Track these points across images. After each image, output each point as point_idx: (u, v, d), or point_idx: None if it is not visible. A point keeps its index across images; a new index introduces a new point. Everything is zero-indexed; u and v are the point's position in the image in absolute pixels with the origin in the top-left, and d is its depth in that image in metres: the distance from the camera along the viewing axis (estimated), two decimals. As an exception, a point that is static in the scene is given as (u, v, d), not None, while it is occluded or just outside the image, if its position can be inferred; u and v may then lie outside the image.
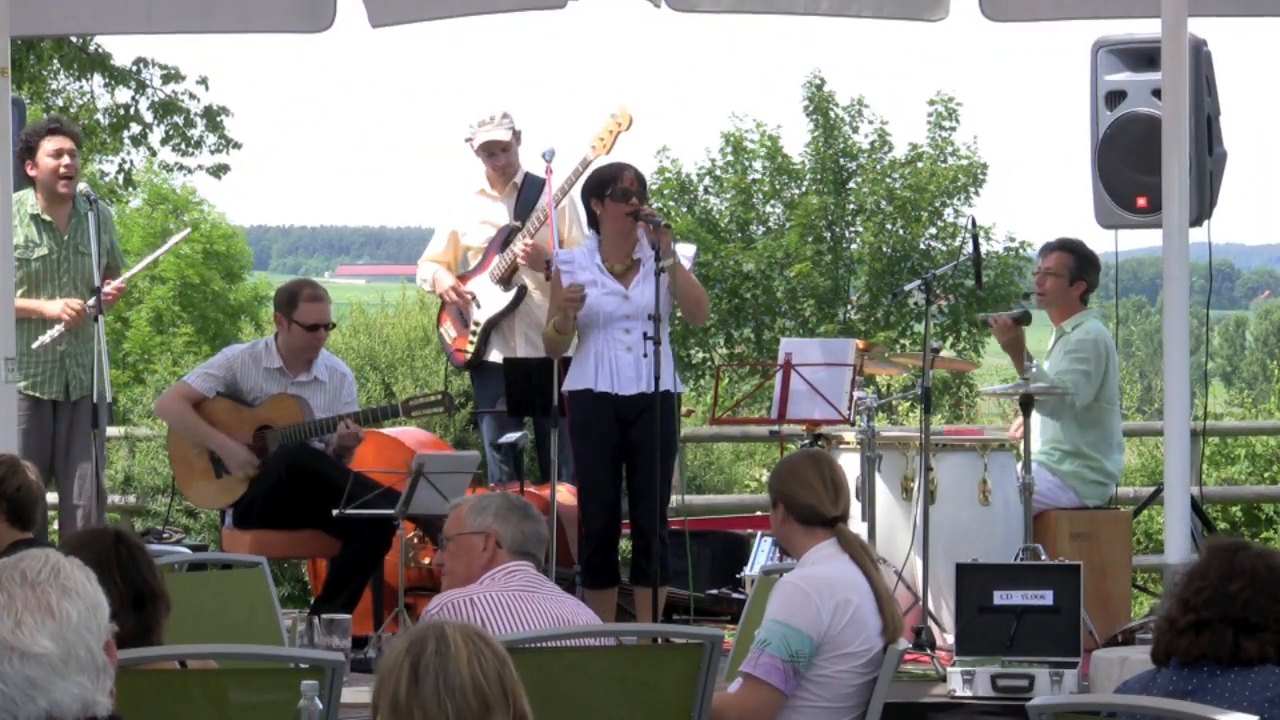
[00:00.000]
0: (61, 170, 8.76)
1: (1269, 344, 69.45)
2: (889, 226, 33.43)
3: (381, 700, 3.22)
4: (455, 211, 9.70)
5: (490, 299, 9.45)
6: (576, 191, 9.11)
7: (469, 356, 9.53)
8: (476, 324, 9.50)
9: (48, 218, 8.83)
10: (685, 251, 8.35)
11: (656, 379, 8.07)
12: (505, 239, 9.47)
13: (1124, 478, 10.43)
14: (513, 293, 9.39)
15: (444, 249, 9.69)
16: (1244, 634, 4.19)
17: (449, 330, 9.67)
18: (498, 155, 9.51)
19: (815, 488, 5.52)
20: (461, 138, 9.65)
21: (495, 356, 9.41)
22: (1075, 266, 8.81)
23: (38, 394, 8.74)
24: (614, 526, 8.36)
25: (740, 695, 5.33)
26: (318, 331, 8.62)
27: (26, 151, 8.79)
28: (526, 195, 9.50)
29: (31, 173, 8.83)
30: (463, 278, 9.57)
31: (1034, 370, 8.38)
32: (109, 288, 8.67)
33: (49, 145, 8.78)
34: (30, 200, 8.80)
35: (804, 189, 34.32)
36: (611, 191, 8.24)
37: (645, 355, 8.06)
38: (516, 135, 9.55)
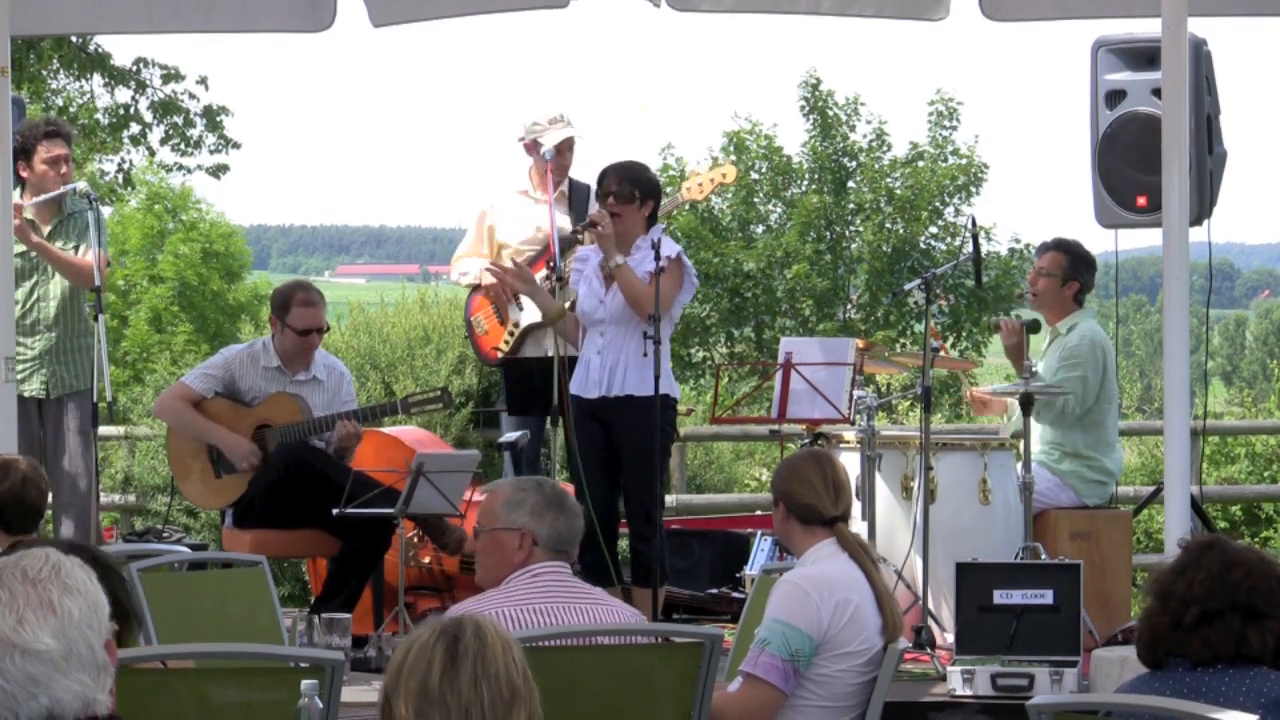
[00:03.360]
0: (58, 179, 8.76)
1: (1269, 343, 69.48)
2: (889, 226, 33.44)
3: (407, 685, 3.16)
4: (495, 208, 9.58)
5: (534, 305, 9.36)
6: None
7: (501, 356, 9.46)
8: (516, 325, 9.45)
9: (30, 215, 8.82)
10: (667, 250, 8.35)
11: (656, 379, 8.09)
12: (561, 248, 9.42)
13: (1124, 477, 10.44)
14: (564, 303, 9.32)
15: (485, 246, 9.59)
16: (1249, 623, 4.19)
17: (481, 321, 9.59)
18: (565, 154, 9.47)
19: (815, 487, 5.53)
20: (515, 137, 9.56)
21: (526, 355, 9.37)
22: (1069, 266, 8.83)
23: (19, 391, 8.74)
24: (605, 525, 8.37)
25: (740, 694, 5.34)
26: (309, 336, 8.62)
27: (21, 153, 8.77)
28: (578, 203, 9.45)
29: (24, 174, 8.83)
30: None
31: (1034, 371, 8.38)
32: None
33: (45, 151, 8.78)
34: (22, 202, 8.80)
35: (803, 188, 34.33)
36: (598, 195, 8.36)
37: (646, 355, 8.08)
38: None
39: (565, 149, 9.46)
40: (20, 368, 8.74)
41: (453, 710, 3.14)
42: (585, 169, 9.50)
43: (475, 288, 9.60)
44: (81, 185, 8.77)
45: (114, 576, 4.50)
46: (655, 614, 8.14)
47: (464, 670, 3.16)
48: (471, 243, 9.61)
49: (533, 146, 9.48)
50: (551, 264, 8.99)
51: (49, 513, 8.97)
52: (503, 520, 5.24)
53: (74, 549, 4.56)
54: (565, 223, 9.33)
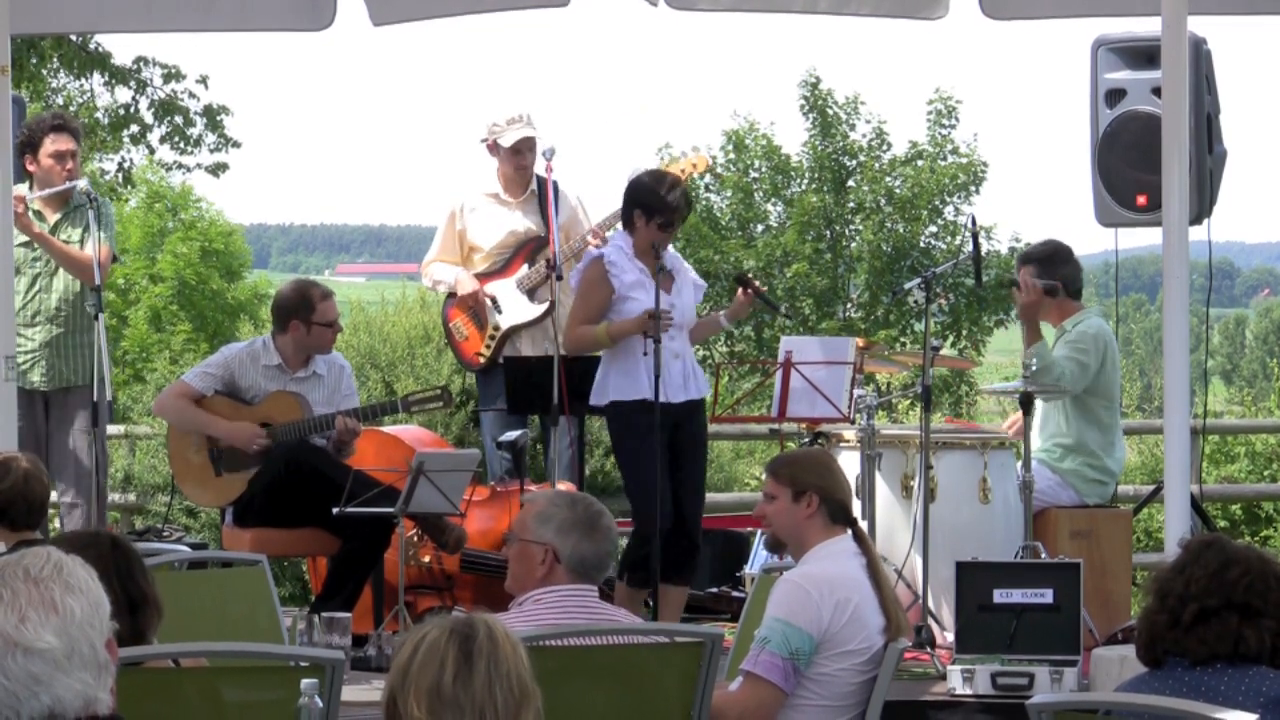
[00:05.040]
0: (64, 175, 8.77)
1: (1269, 342, 69.50)
2: (888, 225, 33.46)
3: (418, 685, 3.15)
4: (464, 211, 9.61)
5: (514, 307, 9.40)
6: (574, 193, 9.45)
7: (485, 361, 9.50)
8: (496, 329, 9.47)
9: (36, 207, 8.86)
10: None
11: (657, 379, 8.09)
12: (533, 249, 9.43)
13: (1124, 476, 10.43)
14: (542, 306, 9.31)
15: (455, 249, 9.62)
16: (1246, 621, 4.19)
17: (460, 327, 9.62)
18: (525, 154, 9.46)
19: (845, 484, 5.62)
20: (478, 139, 9.59)
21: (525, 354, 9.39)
22: (1040, 274, 8.81)
23: (20, 384, 8.74)
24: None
25: (740, 693, 5.34)
26: (337, 324, 8.69)
27: (28, 147, 8.80)
28: (544, 202, 9.47)
29: (31, 168, 8.85)
30: (481, 279, 9.53)
31: (1033, 369, 8.37)
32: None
33: (51, 146, 8.79)
34: (28, 194, 8.82)
35: (803, 187, 34.35)
36: (662, 223, 8.20)
37: (646, 355, 8.08)
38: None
39: (525, 149, 9.46)
40: (21, 359, 8.76)
41: (467, 711, 3.14)
42: (581, 169, 9.55)
43: (450, 295, 9.61)
44: (82, 184, 8.76)
45: (137, 564, 4.50)
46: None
47: (478, 670, 3.15)
48: (442, 247, 9.62)
49: (494, 147, 9.51)
50: (550, 263, 9.01)
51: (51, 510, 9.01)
52: (532, 532, 5.23)
53: (96, 536, 4.58)
54: (535, 225, 9.39)
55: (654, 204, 8.21)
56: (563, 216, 9.36)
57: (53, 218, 8.91)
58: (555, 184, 9.27)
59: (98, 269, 8.53)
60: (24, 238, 8.74)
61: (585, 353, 8.42)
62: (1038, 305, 8.64)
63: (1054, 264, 8.82)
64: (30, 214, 8.82)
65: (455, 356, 10.09)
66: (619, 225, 8.53)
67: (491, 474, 9.52)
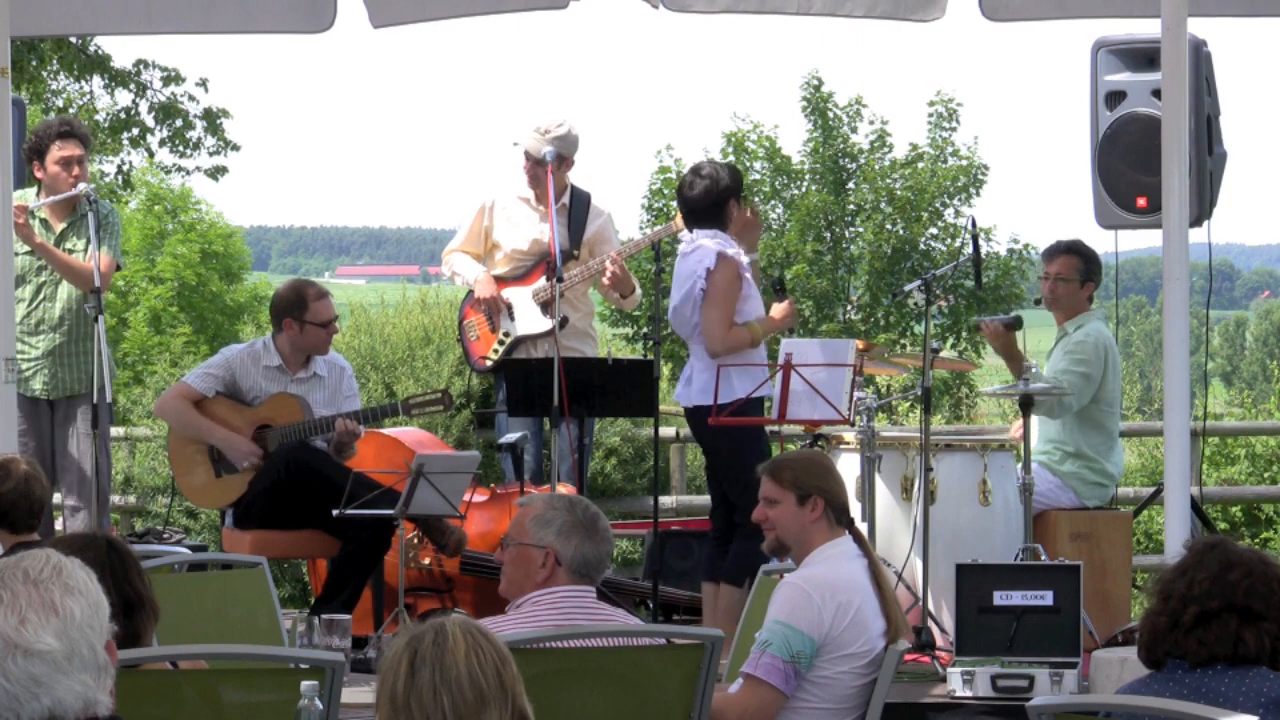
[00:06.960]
0: (71, 181, 8.75)
1: (1269, 344, 69.48)
2: (889, 227, 33.44)
3: (381, 695, 3.23)
4: (495, 208, 9.57)
5: (527, 316, 9.40)
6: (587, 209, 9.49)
7: (490, 365, 9.50)
8: (506, 335, 9.46)
9: (43, 215, 8.85)
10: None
11: (656, 381, 8.11)
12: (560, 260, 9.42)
13: (1124, 478, 10.43)
14: (554, 322, 9.30)
15: (479, 242, 9.61)
16: (1246, 624, 4.20)
17: (474, 327, 9.61)
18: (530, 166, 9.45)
19: (844, 485, 5.64)
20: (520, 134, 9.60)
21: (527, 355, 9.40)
22: (1084, 269, 8.83)
23: (23, 391, 8.74)
24: None
25: (741, 696, 5.34)
26: (332, 325, 8.65)
27: (35, 153, 8.80)
28: (576, 215, 9.45)
29: (39, 175, 8.85)
30: (500, 283, 9.51)
31: (1033, 371, 8.38)
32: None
33: (58, 152, 8.78)
34: (32, 199, 8.80)
35: (803, 189, 34.33)
36: (745, 194, 8.41)
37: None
38: (565, 161, 9.37)
39: (530, 160, 9.43)
40: (25, 367, 8.75)
41: (417, 718, 3.18)
42: (582, 172, 9.52)
43: (470, 291, 9.61)
44: (82, 187, 8.75)
45: (133, 566, 4.50)
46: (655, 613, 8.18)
47: (422, 679, 3.19)
48: (465, 238, 9.63)
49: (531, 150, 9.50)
50: (552, 267, 9.01)
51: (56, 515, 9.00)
52: (531, 536, 5.22)
53: (93, 538, 4.57)
54: (560, 237, 9.36)
55: (739, 184, 8.38)
56: (590, 230, 9.40)
57: (59, 226, 8.89)
58: (588, 196, 9.33)
59: (97, 273, 8.52)
60: (29, 246, 8.74)
61: (736, 354, 8.34)
62: (1008, 344, 8.73)
63: (1096, 265, 8.91)
64: (38, 222, 8.82)
65: (464, 354, 10.08)
66: (690, 234, 8.44)
67: (509, 475, 9.51)
